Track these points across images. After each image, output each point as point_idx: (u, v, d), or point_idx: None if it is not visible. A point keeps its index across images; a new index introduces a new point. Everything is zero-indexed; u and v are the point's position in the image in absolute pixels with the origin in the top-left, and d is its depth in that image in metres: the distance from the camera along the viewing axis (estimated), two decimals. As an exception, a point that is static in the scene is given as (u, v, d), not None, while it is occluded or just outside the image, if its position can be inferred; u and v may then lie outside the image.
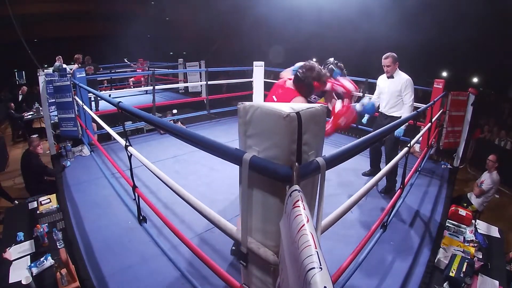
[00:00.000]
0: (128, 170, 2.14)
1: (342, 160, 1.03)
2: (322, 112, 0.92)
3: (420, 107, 2.71)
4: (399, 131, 3.12)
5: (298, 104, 0.87)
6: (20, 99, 8.33)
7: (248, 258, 0.94)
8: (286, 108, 0.81)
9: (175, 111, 5.80)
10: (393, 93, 3.21)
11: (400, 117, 3.09)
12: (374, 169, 3.61)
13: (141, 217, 2.36)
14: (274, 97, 2.06)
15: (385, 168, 1.87)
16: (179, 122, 5.44)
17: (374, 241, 1.97)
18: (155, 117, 1.79)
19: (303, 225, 0.53)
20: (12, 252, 2.24)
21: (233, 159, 0.91)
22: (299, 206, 0.59)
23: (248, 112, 0.88)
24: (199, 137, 1.07)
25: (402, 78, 3.15)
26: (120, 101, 1.90)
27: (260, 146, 0.86)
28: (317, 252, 0.45)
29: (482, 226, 2.94)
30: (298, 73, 2.01)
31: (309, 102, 2.02)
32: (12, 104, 7.89)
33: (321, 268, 0.42)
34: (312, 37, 10.83)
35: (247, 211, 0.92)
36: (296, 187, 0.70)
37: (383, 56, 3.18)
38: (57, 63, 7.52)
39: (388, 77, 3.24)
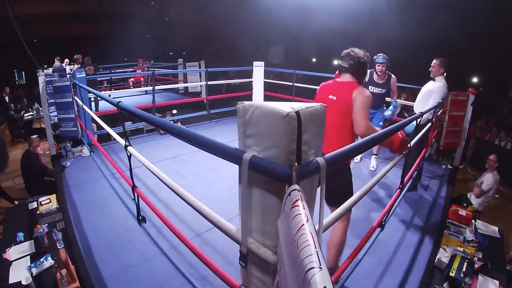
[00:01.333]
0: (128, 170, 2.14)
1: (343, 160, 1.02)
2: (321, 112, 0.92)
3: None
4: (409, 128, 3.11)
5: (298, 104, 0.87)
6: (7, 100, 8.15)
7: (248, 259, 0.94)
8: (285, 107, 0.81)
9: (175, 111, 5.80)
10: (425, 93, 3.31)
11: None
12: None
13: (140, 217, 2.36)
14: (332, 96, 1.86)
15: (386, 168, 1.86)
16: (179, 122, 5.44)
17: (372, 241, 1.96)
18: (156, 116, 1.79)
19: (303, 224, 0.53)
20: (12, 253, 2.24)
21: (232, 159, 0.91)
22: (298, 206, 0.59)
23: (247, 112, 0.88)
24: (199, 137, 1.07)
25: (439, 80, 3.28)
26: (120, 101, 1.91)
27: (259, 145, 0.86)
28: (316, 252, 0.45)
29: (482, 226, 2.94)
30: (346, 62, 1.86)
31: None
32: (12, 105, 7.89)
33: (320, 267, 0.42)
34: (312, 37, 10.83)
35: (246, 211, 0.91)
36: (296, 186, 0.69)
37: (436, 58, 3.34)
38: (57, 63, 7.52)
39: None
